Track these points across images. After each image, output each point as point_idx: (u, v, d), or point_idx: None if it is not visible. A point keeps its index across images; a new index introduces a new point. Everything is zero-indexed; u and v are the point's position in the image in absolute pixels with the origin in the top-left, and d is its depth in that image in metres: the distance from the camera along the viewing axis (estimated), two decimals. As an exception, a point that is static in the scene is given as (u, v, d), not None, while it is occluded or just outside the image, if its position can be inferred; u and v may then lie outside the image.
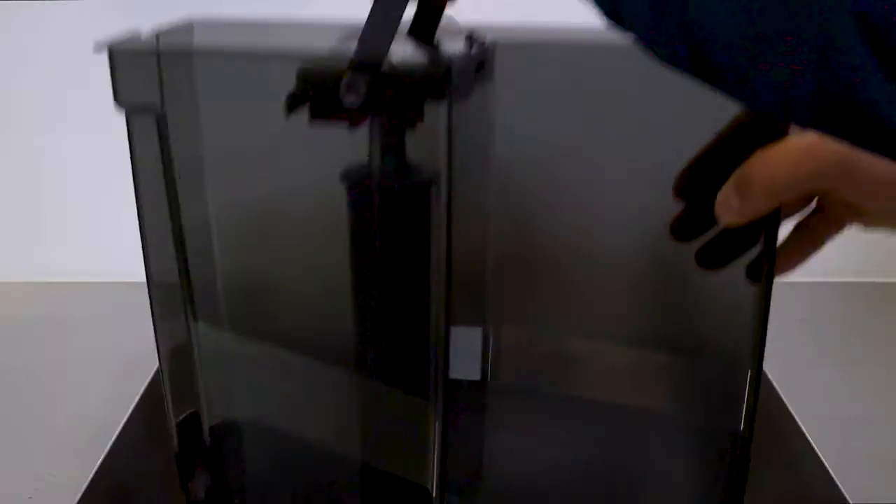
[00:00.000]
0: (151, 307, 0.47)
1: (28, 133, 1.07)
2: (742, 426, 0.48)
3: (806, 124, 0.31)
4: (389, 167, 0.44)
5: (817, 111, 0.29)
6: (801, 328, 0.94)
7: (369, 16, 0.41)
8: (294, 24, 0.47)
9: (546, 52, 0.46)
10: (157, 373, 0.87)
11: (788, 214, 0.50)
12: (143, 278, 1.07)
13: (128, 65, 0.44)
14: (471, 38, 0.46)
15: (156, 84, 0.44)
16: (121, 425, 0.78)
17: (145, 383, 0.85)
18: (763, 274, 0.47)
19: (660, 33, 0.31)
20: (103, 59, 1.05)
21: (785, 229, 0.49)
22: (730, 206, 0.44)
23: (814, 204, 0.49)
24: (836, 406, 0.79)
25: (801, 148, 0.43)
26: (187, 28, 0.51)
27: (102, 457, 0.74)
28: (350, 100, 0.40)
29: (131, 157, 0.47)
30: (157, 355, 0.87)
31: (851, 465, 0.66)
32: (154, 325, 0.48)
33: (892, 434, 0.77)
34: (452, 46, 0.44)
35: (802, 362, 0.87)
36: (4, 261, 1.10)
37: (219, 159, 0.47)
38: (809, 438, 0.75)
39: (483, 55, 0.46)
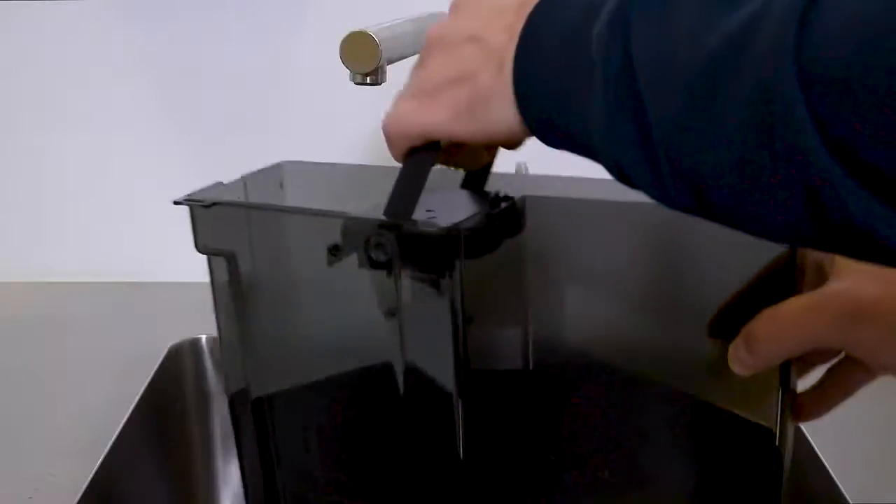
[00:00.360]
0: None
1: (28, 133, 1.07)
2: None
3: (806, 244, 0.33)
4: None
5: (810, 230, 0.32)
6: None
7: (397, 181, 0.47)
8: (372, 168, 0.57)
9: (575, 207, 0.52)
10: (157, 373, 0.88)
11: (821, 362, 0.51)
12: (143, 278, 1.08)
13: (203, 218, 0.53)
14: (497, 196, 0.51)
15: (228, 232, 0.53)
16: (121, 425, 0.78)
17: (145, 383, 0.85)
18: (786, 415, 0.50)
19: (663, 186, 0.35)
20: (103, 60, 1.05)
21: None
22: (740, 360, 0.46)
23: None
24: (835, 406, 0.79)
25: (803, 308, 0.45)
26: (277, 169, 0.60)
27: (102, 457, 0.74)
28: (378, 256, 0.46)
29: (212, 286, 0.56)
30: (159, 356, 0.87)
31: (851, 465, 0.66)
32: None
33: (892, 434, 0.77)
34: (478, 206, 0.50)
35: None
36: (4, 261, 1.10)
37: (282, 293, 0.56)
38: (809, 438, 0.75)
39: (510, 211, 0.51)
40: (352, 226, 0.47)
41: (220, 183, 0.56)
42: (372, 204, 0.48)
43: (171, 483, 0.91)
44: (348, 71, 0.74)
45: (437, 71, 0.45)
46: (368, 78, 0.74)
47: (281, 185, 0.59)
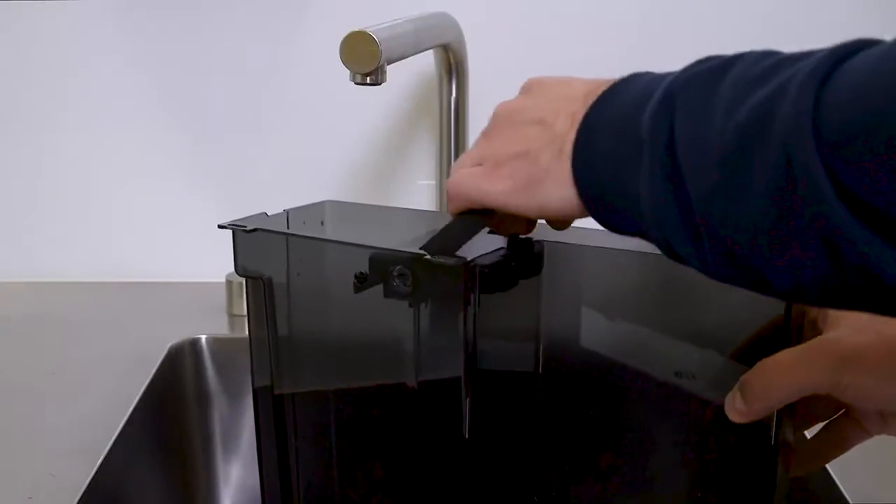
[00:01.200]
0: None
1: (28, 133, 1.07)
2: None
3: (835, 304, 0.36)
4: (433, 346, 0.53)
5: (835, 286, 0.34)
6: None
7: (444, 228, 0.51)
8: (406, 210, 0.62)
9: (590, 254, 0.56)
10: (157, 373, 0.88)
11: (824, 417, 0.54)
12: (143, 279, 1.08)
13: (244, 242, 0.58)
14: (517, 239, 0.55)
15: (266, 257, 0.58)
16: (121, 425, 0.78)
17: (145, 383, 0.85)
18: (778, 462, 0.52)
19: (705, 257, 0.38)
20: (102, 60, 1.05)
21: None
22: (736, 408, 0.49)
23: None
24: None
25: (795, 357, 0.48)
26: (320, 206, 0.65)
27: (102, 457, 0.74)
28: (400, 286, 0.50)
29: (246, 303, 0.61)
30: (159, 356, 0.87)
31: (851, 465, 0.66)
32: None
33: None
34: (498, 246, 0.54)
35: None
36: (4, 261, 1.10)
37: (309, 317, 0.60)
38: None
39: (529, 253, 0.55)
40: (378, 257, 0.51)
41: (264, 214, 0.60)
42: (400, 240, 0.52)
43: (171, 483, 0.91)
44: (348, 71, 0.74)
45: (503, 146, 0.48)
46: (368, 78, 0.74)
47: (322, 223, 0.64)
